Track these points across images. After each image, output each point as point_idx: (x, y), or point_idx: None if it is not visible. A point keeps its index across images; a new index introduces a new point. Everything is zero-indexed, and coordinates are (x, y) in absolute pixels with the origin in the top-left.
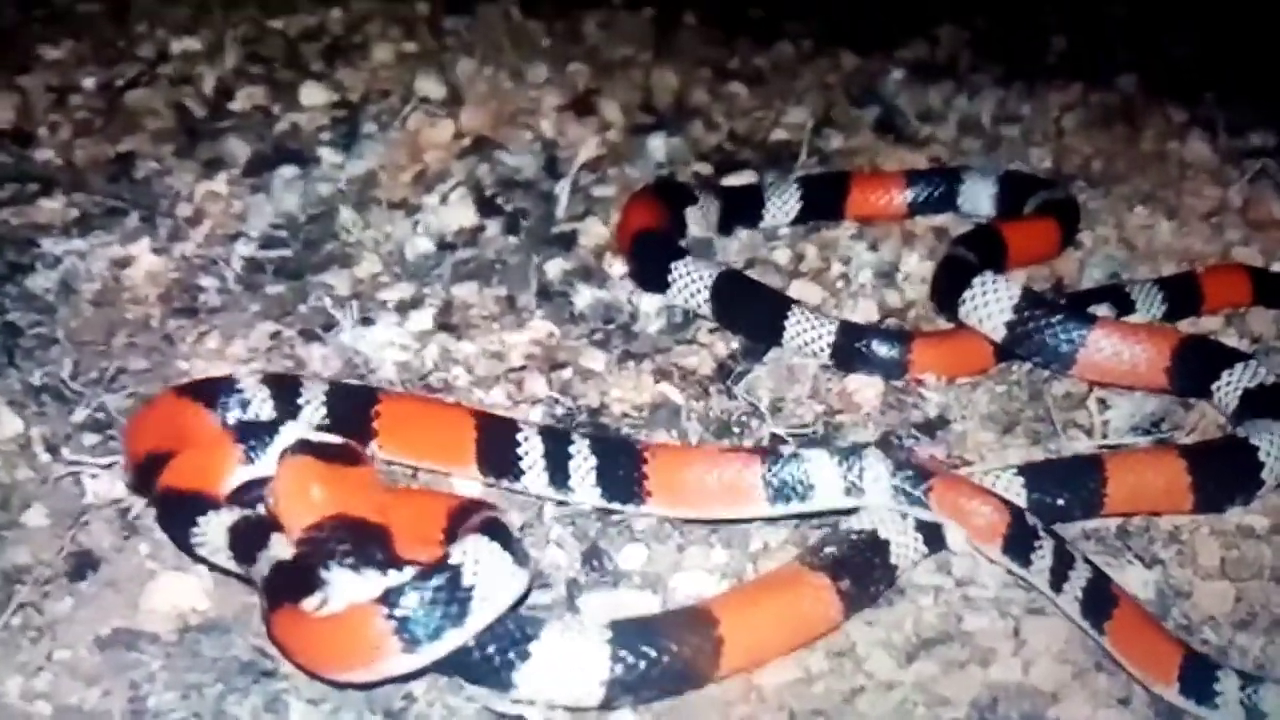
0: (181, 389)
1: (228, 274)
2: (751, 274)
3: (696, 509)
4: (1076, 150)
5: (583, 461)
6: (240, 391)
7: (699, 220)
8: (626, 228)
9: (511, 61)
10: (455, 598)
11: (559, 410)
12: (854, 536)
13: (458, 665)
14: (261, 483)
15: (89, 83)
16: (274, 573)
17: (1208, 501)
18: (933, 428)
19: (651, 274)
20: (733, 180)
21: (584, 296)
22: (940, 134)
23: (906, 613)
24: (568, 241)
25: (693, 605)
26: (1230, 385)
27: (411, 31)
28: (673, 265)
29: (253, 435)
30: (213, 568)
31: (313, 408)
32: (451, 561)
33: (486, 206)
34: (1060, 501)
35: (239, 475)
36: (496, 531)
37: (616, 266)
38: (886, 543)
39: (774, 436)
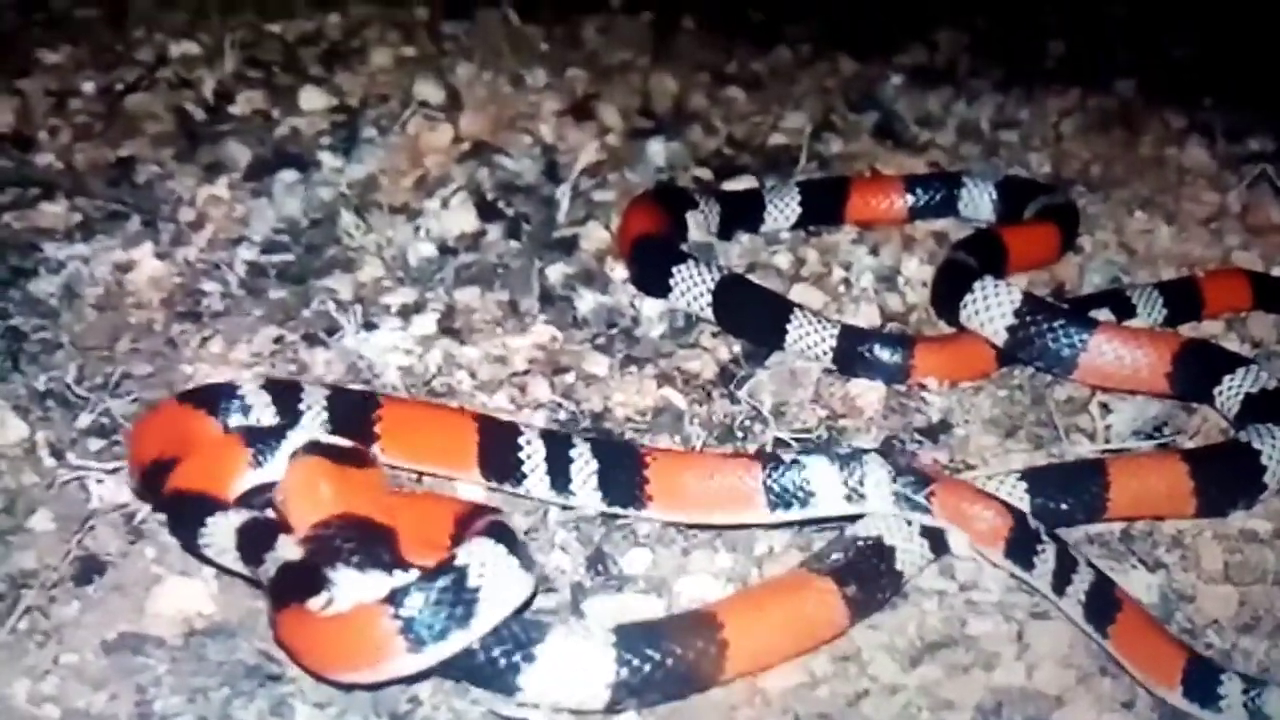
0: (183, 396)
1: (230, 278)
2: (752, 278)
3: (697, 514)
4: (1075, 155)
5: (584, 465)
6: (241, 398)
7: (700, 225)
8: (628, 232)
9: (510, 66)
10: (461, 599)
11: (562, 415)
12: (860, 543)
13: (463, 669)
14: (269, 487)
15: (88, 87)
16: (280, 573)
17: (1210, 506)
18: (935, 432)
19: (653, 278)
20: (733, 185)
21: (586, 301)
22: (939, 139)
23: (910, 617)
24: (569, 246)
25: (698, 609)
26: (1232, 390)
27: (410, 36)
28: (674, 269)
29: (261, 439)
30: (219, 570)
31: (314, 413)
32: (457, 563)
33: (487, 211)
34: (1063, 506)
35: (248, 479)
36: (502, 535)
37: (618, 271)
38: (893, 549)
39: (777, 441)
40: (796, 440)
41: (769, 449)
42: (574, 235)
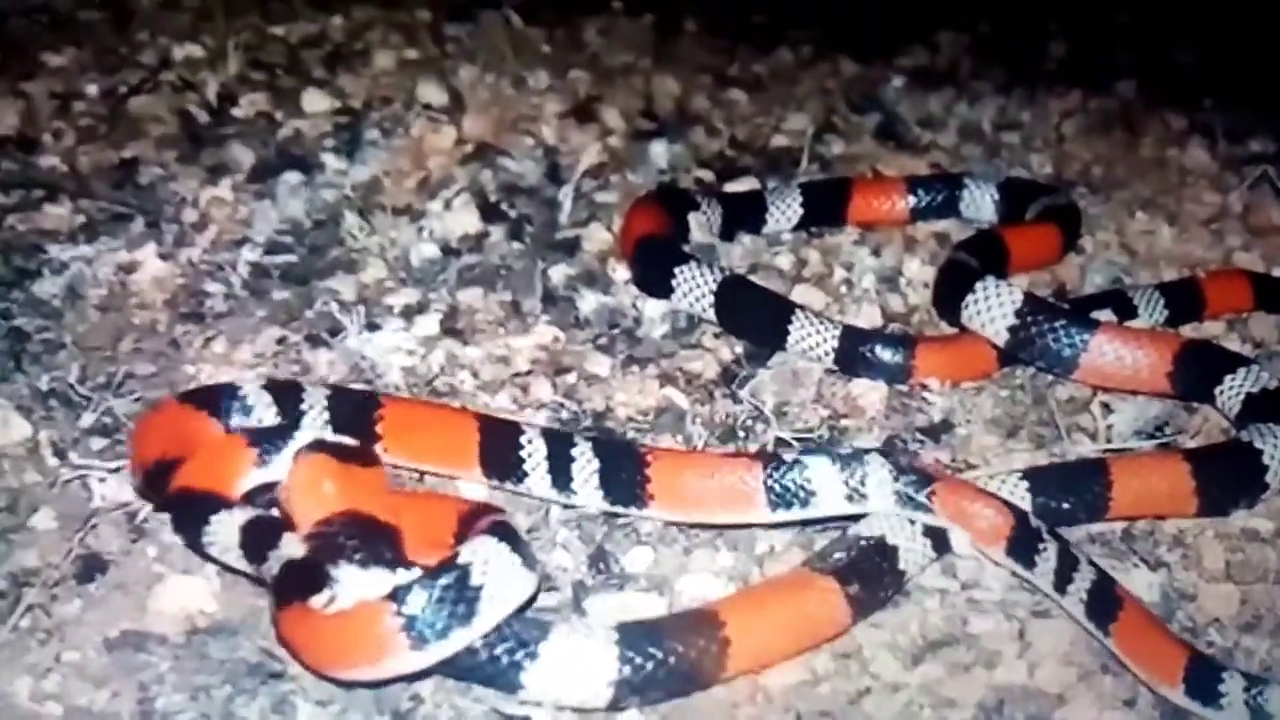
0: (183, 397)
1: (234, 279)
2: (754, 279)
3: (698, 513)
4: (1077, 156)
5: (585, 464)
6: (243, 398)
7: (702, 226)
8: (630, 233)
9: (513, 68)
10: (463, 597)
11: (564, 415)
12: (863, 542)
13: (465, 667)
14: (273, 487)
15: (92, 89)
16: (283, 570)
17: (1212, 505)
18: (937, 432)
19: (655, 279)
20: (734, 187)
21: (588, 301)
22: (941, 140)
23: (912, 615)
24: (571, 247)
25: (700, 608)
26: (1233, 390)
27: (413, 38)
28: (676, 270)
29: (266, 439)
30: (222, 569)
31: (315, 413)
32: (460, 561)
33: (490, 212)
34: (1065, 506)
35: (252, 478)
36: (505, 533)
37: (620, 272)
38: (895, 548)
39: (779, 441)
40: (798, 440)
41: (770, 449)
42: (576, 236)
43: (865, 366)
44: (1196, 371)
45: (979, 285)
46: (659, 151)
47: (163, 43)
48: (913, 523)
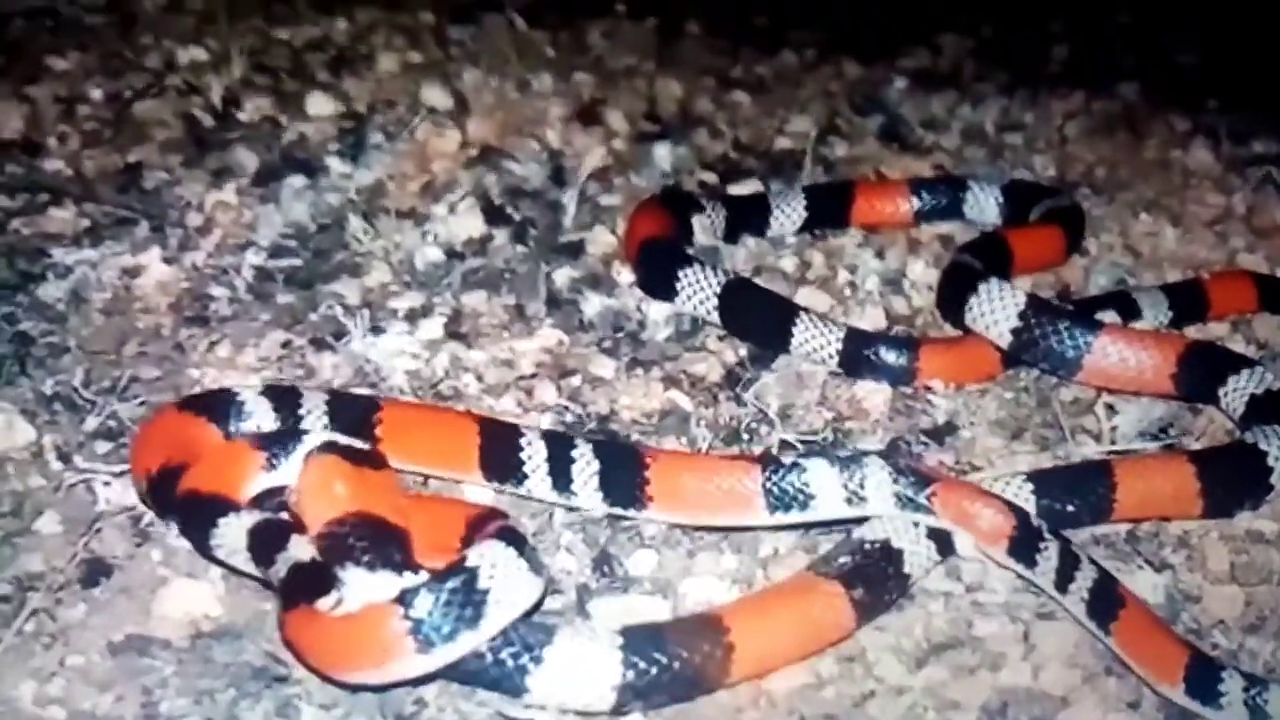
0: (182, 403)
1: (238, 283)
2: (758, 282)
3: (697, 515)
4: (1080, 158)
5: (586, 466)
6: (241, 404)
7: (706, 228)
8: (634, 236)
9: (517, 72)
10: (470, 601)
11: (569, 417)
12: (867, 546)
13: (470, 670)
14: (280, 491)
15: (97, 94)
16: (291, 573)
17: (1217, 506)
18: (941, 434)
19: (659, 282)
20: (738, 189)
21: (593, 304)
22: (944, 142)
23: (916, 618)
24: (575, 250)
25: (704, 612)
26: (1237, 391)
27: (417, 42)
28: (680, 273)
29: (275, 443)
30: (229, 572)
31: (315, 417)
32: (468, 565)
33: (494, 216)
34: (1070, 508)
35: (260, 482)
36: (513, 538)
37: (624, 274)
38: (900, 552)
39: (783, 443)
40: (803, 442)
41: (775, 451)
42: (580, 239)
43: (869, 369)
44: (1201, 373)
45: (983, 287)
46: (663, 154)
47: (167, 46)
48: (917, 526)
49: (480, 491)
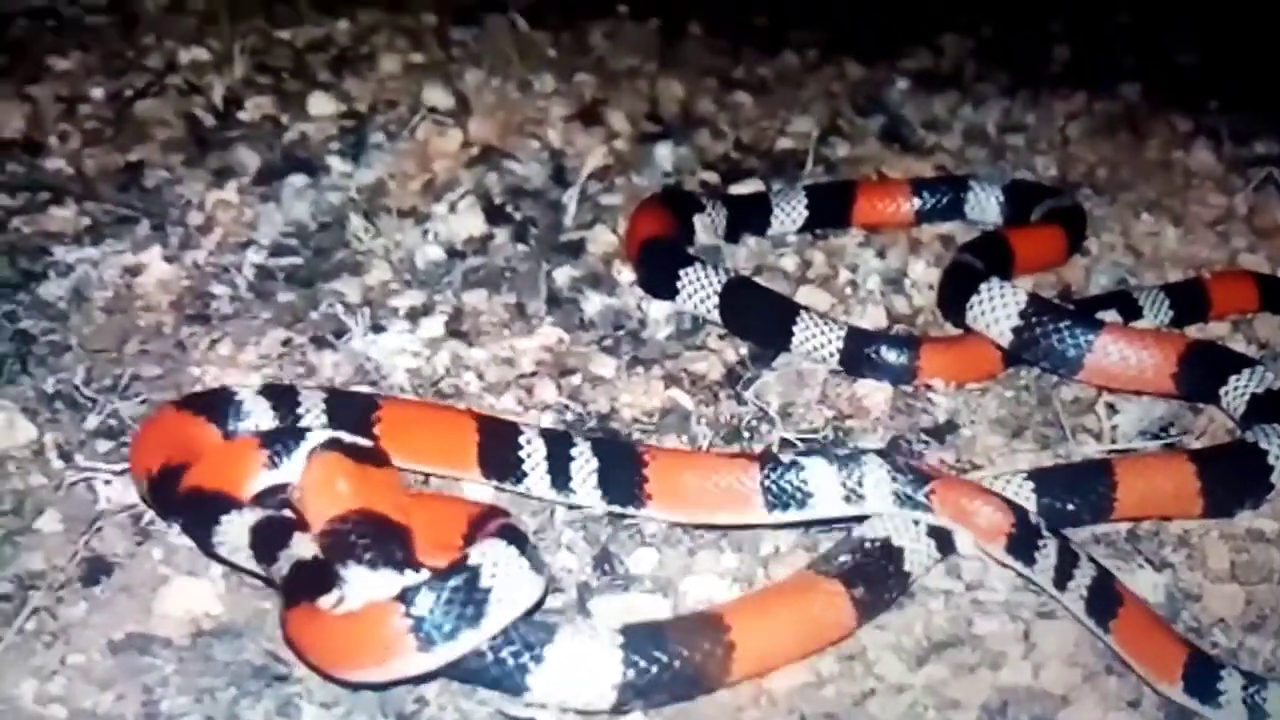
0: (180, 403)
1: (239, 281)
2: (759, 281)
3: (696, 514)
4: (1081, 158)
5: (584, 464)
6: (239, 403)
7: (707, 228)
8: (635, 235)
9: (518, 72)
10: (472, 599)
11: (569, 416)
12: (868, 544)
13: (471, 669)
14: (282, 489)
15: (98, 93)
16: (293, 570)
17: (1217, 506)
18: (942, 433)
19: (660, 281)
20: (739, 189)
21: (593, 303)
22: (945, 143)
23: (916, 616)
24: (576, 249)
25: (705, 611)
26: (1238, 390)
27: (418, 42)
28: (681, 272)
29: (278, 441)
30: (231, 570)
31: (313, 416)
32: (469, 563)
33: (495, 215)
34: (1070, 506)
35: (263, 479)
36: (514, 537)
37: (625, 273)
38: (900, 550)
39: (784, 442)
40: (803, 441)
41: (775, 450)
42: (581, 238)
43: (870, 367)
44: (1201, 372)
45: (984, 286)
46: (664, 154)
47: (168, 46)
48: (917, 524)
49: (480, 489)
